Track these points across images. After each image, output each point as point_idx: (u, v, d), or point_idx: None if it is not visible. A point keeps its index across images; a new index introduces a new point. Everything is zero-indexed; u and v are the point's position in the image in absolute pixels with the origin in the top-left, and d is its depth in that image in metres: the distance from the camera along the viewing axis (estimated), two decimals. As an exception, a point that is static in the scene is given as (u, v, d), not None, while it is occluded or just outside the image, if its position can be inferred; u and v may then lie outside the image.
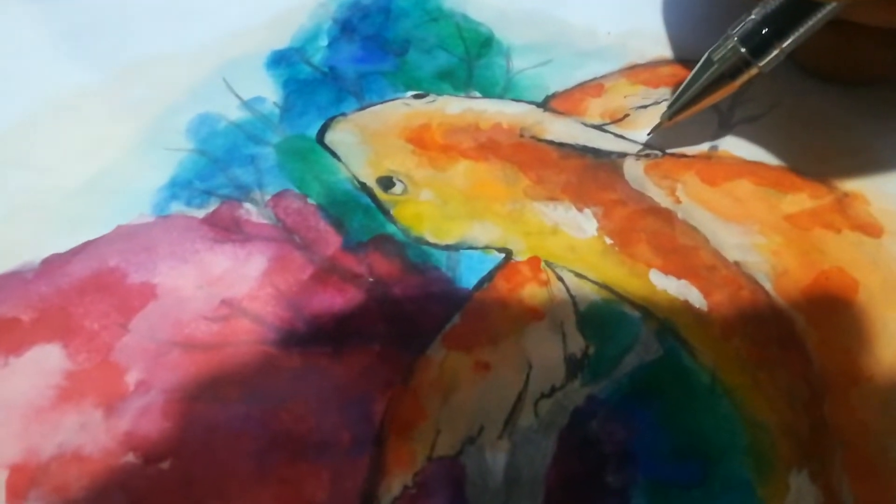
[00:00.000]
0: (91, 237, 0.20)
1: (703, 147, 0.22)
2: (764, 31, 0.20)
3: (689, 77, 0.21)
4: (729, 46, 0.20)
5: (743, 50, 0.20)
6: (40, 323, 0.18)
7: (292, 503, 0.16)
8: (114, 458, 0.16)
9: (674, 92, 0.22)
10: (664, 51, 0.25)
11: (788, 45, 0.20)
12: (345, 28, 0.24)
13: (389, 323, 0.18)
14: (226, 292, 0.19)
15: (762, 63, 0.20)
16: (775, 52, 0.20)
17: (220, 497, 0.16)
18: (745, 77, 0.20)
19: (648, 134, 0.22)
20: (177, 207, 0.20)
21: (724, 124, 0.23)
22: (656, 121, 0.22)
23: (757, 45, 0.20)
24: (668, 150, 0.22)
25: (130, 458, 0.16)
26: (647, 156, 0.22)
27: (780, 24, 0.20)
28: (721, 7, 0.25)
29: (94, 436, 0.17)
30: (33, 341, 0.18)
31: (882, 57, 0.22)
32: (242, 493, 0.16)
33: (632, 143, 0.22)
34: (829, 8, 0.19)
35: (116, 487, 0.16)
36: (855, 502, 0.17)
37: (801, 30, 0.19)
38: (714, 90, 0.21)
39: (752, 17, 0.20)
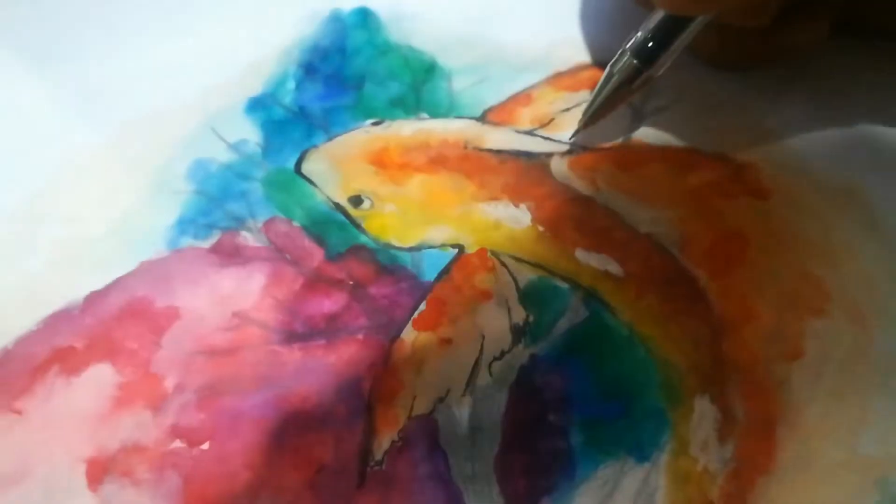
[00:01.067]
0: (120, 274, 0.24)
1: (619, 139, 0.27)
2: (650, 45, 0.24)
3: (596, 88, 0.25)
4: (624, 59, 0.24)
5: (635, 61, 0.24)
6: (91, 348, 0.22)
7: (306, 465, 0.20)
8: (165, 446, 0.21)
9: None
10: (584, 56, 0.29)
11: (670, 52, 0.24)
12: (308, 70, 0.28)
13: (369, 316, 0.23)
14: (235, 306, 0.23)
15: (651, 70, 0.24)
16: (661, 60, 0.24)
17: (250, 467, 0.21)
18: (639, 83, 0.24)
19: (570, 138, 0.26)
20: (187, 241, 0.24)
21: (636, 117, 0.27)
22: (578, 121, 0.27)
23: (646, 55, 0.24)
24: (589, 146, 0.26)
25: (178, 444, 0.21)
26: (570, 153, 0.26)
27: (662, 36, 0.24)
28: (631, 14, 0.29)
29: (147, 430, 0.21)
30: (88, 363, 0.22)
31: (759, 46, 0.26)
32: (267, 462, 0.21)
33: (557, 143, 0.27)
34: (697, 21, 0.23)
35: (169, 468, 0.20)
36: (745, 415, 0.21)
37: (679, 40, 0.24)
38: (617, 96, 0.25)
39: (640, 33, 0.24)
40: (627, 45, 0.24)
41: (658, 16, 0.24)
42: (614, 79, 0.25)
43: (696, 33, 0.24)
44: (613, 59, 0.25)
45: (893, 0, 0.26)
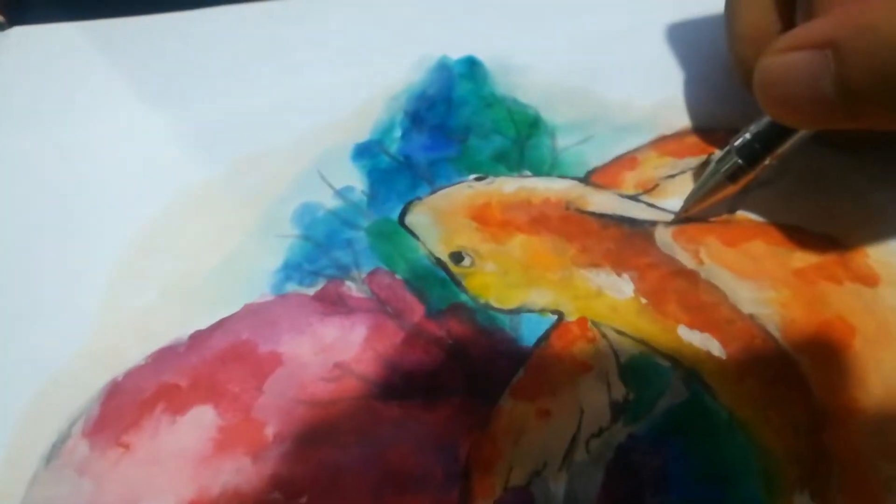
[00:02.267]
0: (224, 314, 0.25)
1: (723, 212, 0.26)
2: (756, 145, 0.24)
3: (700, 179, 0.25)
4: (729, 157, 0.25)
5: (739, 161, 0.24)
6: (195, 388, 0.23)
7: (402, 526, 0.21)
8: (264, 496, 0.21)
9: (695, 177, 0.26)
10: (689, 121, 0.29)
11: (775, 156, 0.24)
12: (414, 119, 0.29)
13: (467, 378, 0.23)
14: (337, 357, 0.24)
15: (755, 171, 0.24)
16: (766, 162, 0.24)
17: (346, 523, 0.21)
18: (743, 181, 0.25)
19: (671, 223, 0.26)
20: (291, 287, 0.25)
21: (742, 189, 0.27)
22: (682, 189, 0.27)
23: (751, 155, 0.24)
24: (694, 217, 0.26)
25: (276, 495, 0.21)
26: (674, 223, 0.26)
27: (769, 138, 0.24)
28: (735, 84, 0.29)
29: (247, 477, 0.22)
30: (192, 403, 0.23)
31: (870, 132, 0.26)
32: (363, 519, 0.21)
33: (662, 211, 0.26)
34: (803, 132, 0.24)
35: (268, 518, 0.21)
36: (848, 516, 0.21)
37: (785, 146, 0.24)
38: (718, 191, 0.25)
39: (747, 133, 0.24)
40: (735, 143, 0.25)
41: (766, 119, 0.24)
42: (718, 175, 0.25)
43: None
44: (720, 155, 0.25)
45: None
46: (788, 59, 0.22)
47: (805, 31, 0.22)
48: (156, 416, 0.23)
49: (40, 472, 0.22)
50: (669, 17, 0.31)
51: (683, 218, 0.26)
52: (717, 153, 0.26)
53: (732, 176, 0.25)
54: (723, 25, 0.27)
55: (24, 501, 0.21)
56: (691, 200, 0.26)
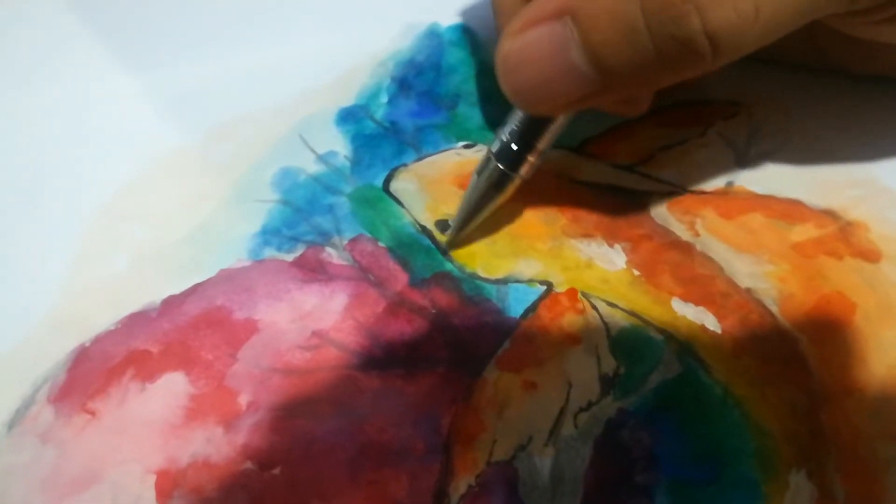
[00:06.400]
0: (199, 280, 0.24)
1: (721, 183, 0.25)
2: (514, 147, 0.22)
3: (465, 195, 0.24)
4: (490, 166, 0.23)
5: (501, 167, 0.23)
6: (166, 354, 0.22)
7: (379, 500, 0.20)
8: (235, 466, 0.20)
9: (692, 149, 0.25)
10: (685, 92, 0.28)
11: (536, 154, 0.23)
12: (402, 85, 0.28)
13: (451, 348, 0.22)
14: (315, 325, 0.23)
15: (519, 174, 0.23)
16: (528, 163, 0.23)
17: (321, 497, 0.20)
18: (511, 187, 0.23)
19: (446, 245, 0.24)
20: (269, 252, 0.24)
21: (740, 161, 0.26)
22: (679, 160, 0.26)
23: (512, 159, 0.23)
24: (689, 188, 0.25)
25: (248, 465, 0.20)
26: (669, 194, 0.25)
27: (526, 138, 0.22)
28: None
29: (219, 447, 0.21)
30: (163, 370, 0.22)
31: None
32: (339, 493, 0.20)
33: (656, 182, 0.25)
34: (561, 119, 0.22)
35: (239, 489, 0.20)
36: (846, 496, 0.20)
37: (543, 141, 0.22)
38: (487, 203, 0.23)
39: (503, 136, 0.23)
40: (492, 149, 0.23)
41: (518, 115, 0.22)
42: (481, 186, 0.23)
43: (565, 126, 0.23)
44: (479, 165, 0.23)
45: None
46: (528, 37, 0.20)
47: (538, 4, 0.20)
48: (124, 383, 0.22)
49: (2, 439, 0.21)
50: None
51: (681, 188, 0.25)
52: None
53: (498, 184, 0.23)
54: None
55: (-18, 469, 0.20)
56: (460, 220, 0.24)
